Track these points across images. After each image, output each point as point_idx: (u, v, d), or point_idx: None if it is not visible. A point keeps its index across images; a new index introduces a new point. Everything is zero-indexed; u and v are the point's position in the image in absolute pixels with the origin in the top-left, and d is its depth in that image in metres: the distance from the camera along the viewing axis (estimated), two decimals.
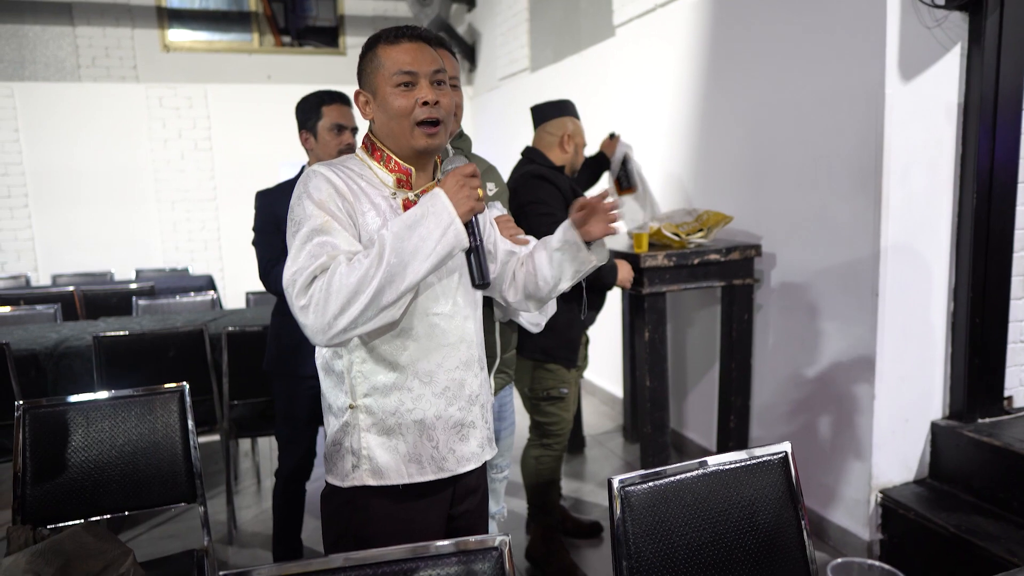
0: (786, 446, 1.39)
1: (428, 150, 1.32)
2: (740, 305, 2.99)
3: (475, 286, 1.29)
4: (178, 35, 6.93)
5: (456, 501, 1.41)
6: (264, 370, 2.40)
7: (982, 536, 2.27)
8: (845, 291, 2.65)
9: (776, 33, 2.89)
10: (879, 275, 2.50)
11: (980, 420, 2.60)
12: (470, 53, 7.06)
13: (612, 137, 3.36)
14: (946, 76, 2.51)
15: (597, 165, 3.36)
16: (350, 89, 1.76)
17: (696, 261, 2.84)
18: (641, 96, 3.99)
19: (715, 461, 1.33)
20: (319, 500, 1.41)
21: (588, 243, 1.44)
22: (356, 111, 2.26)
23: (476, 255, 1.26)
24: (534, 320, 1.75)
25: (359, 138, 2.34)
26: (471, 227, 1.25)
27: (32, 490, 1.79)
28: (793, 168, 2.86)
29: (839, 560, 0.94)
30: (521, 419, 2.74)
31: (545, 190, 2.50)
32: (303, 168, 2.36)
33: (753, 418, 3.16)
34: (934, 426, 2.65)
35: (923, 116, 2.49)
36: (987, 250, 2.56)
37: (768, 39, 2.94)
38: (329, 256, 1.19)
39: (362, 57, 1.35)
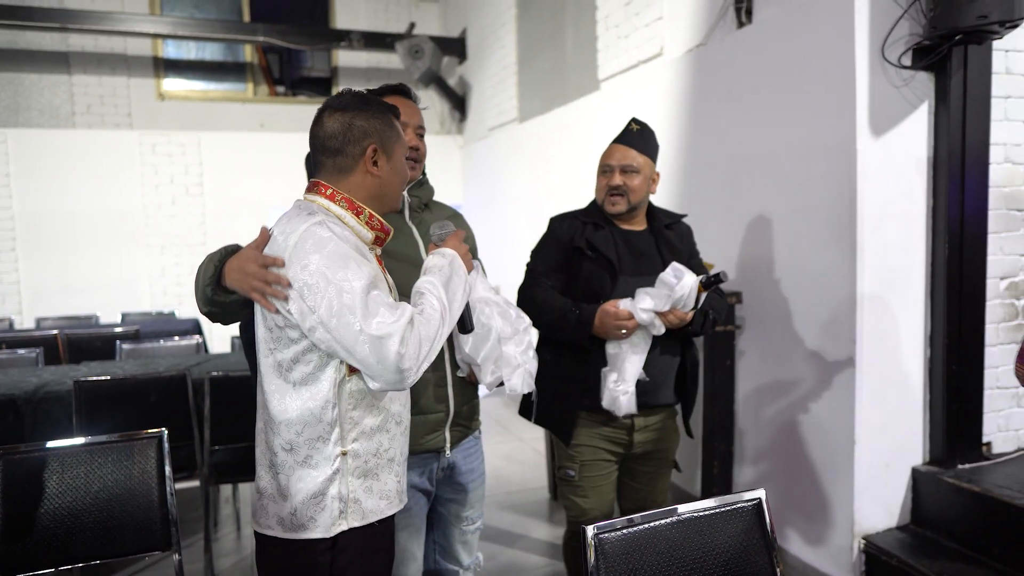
0: (760, 492, 1.40)
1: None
2: (722, 351, 3.02)
3: (465, 332, 1.56)
4: (173, 84, 7.08)
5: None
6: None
7: None
8: (824, 338, 2.69)
9: (752, 90, 3.00)
10: (856, 323, 2.55)
11: (960, 466, 2.62)
12: (460, 104, 7.23)
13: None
14: (915, 132, 2.60)
15: None
16: None
17: None
18: None
19: (687, 508, 1.34)
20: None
21: None
22: None
23: (468, 306, 1.51)
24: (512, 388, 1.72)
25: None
26: None
27: (3, 538, 1.76)
28: (772, 218, 2.93)
29: None
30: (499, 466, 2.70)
31: None
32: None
33: (737, 464, 3.15)
34: (915, 472, 2.66)
35: (894, 170, 2.57)
36: (960, 299, 2.62)
37: (745, 95, 3.05)
38: (405, 309, 1.29)
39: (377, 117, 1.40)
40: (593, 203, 2.23)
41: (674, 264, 1.97)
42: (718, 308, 2.17)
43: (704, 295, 1.99)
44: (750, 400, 3.09)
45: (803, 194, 2.76)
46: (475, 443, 1.90)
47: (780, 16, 2.84)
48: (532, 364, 1.70)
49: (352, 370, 1.34)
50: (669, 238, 2.19)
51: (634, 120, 2.20)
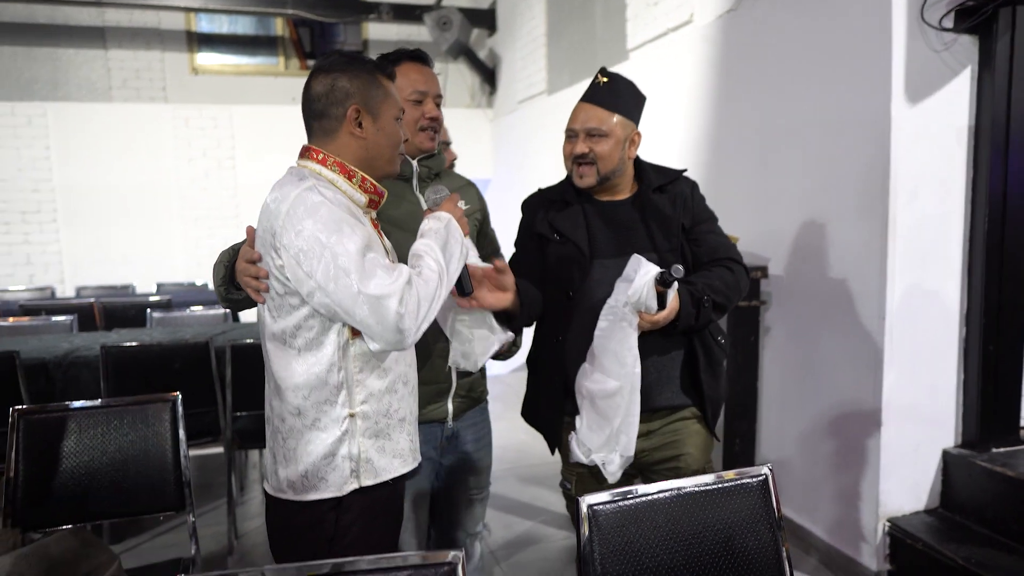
0: (765, 469, 1.35)
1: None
2: (746, 327, 2.95)
3: (463, 295, 1.52)
4: (206, 58, 7.14)
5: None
6: None
7: (992, 569, 2.18)
8: (852, 315, 2.59)
9: (784, 56, 2.88)
10: (886, 299, 2.45)
11: (994, 450, 2.52)
12: (490, 77, 7.15)
13: None
14: (956, 99, 2.47)
15: None
16: None
17: None
18: (653, 118, 3.99)
19: (689, 483, 1.30)
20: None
21: None
22: None
23: (466, 269, 1.49)
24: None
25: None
26: None
27: (23, 494, 1.81)
28: (801, 190, 2.83)
29: None
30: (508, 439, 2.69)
31: None
32: None
33: (759, 442, 3.09)
34: (946, 455, 2.56)
35: (932, 139, 2.45)
36: (1001, 276, 2.50)
37: (776, 62, 2.93)
38: (403, 270, 1.28)
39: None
40: (569, 175, 1.86)
41: (633, 258, 1.61)
42: (723, 290, 1.73)
43: (672, 293, 1.60)
44: (774, 377, 3.01)
45: (834, 164, 2.65)
46: (481, 414, 1.89)
47: None
48: (501, 335, 1.65)
49: (355, 333, 1.34)
50: (658, 205, 1.78)
51: (602, 71, 1.79)
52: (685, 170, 1.90)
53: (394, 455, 1.41)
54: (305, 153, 1.41)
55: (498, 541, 3.08)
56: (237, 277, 1.42)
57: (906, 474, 2.54)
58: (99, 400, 1.94)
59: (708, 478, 1.31)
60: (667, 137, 3.81)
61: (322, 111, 1.37)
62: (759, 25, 3.03)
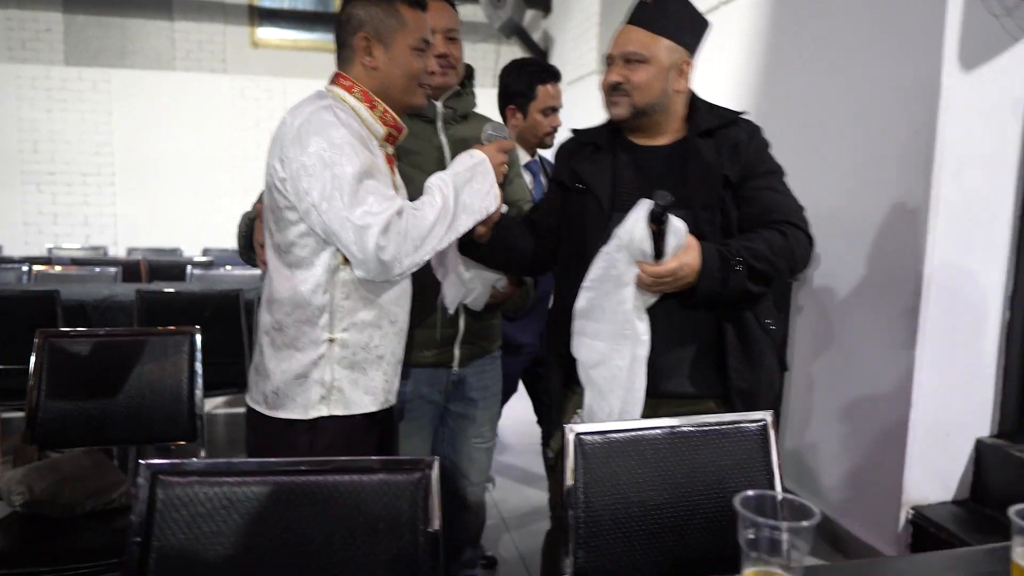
0: (766, 415, 1.30)
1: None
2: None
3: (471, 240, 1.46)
4: (267, 33, 7.31)
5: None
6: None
7: None
8: (888, 292, 2.48)
9: (829, 23, 2.78)
10: (923, 277, 2.33)
11: None
12: (543, 58, 7.11)
13: None
14: (1014, 69, 2.33)
15: None
16: None
17: None
18: (699, 92, 3.90)
19: (682, 421, 1.26)
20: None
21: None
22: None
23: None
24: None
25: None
26: None
27: (43, 414, 1.87)
28: (840, 160, 2.72)
29: (749, 492, 0.86)
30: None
31: None
32: None
33: (785, 423, 2.99)
34: (979, 444, 2.43)
35: (984, 111, 2.32)
36: None
37: (821, 30, 2.83)
38: (396, 201, 1.26)
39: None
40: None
41: (640, 202, 1.30)
42: (767, 255, 1.39)
43: (674, 239, 1.29)
44: (804, 356, 2.91)
45: (877, 133, 2.53)
46: (492, 362, 1.87)
47: None
48: (474, 283, 1.61)
49: (347, 259, 1.33)
50: (701, 152, 1.47)
51: None
52: (745, 112, 1.58)
53: (366, 391, 1.39)
54: (334, 79, 1.42)
55: (512, 511, 3.06)
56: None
57: (934, 462, 2.41)
58: (120, 328, 2.00)
59: (704, 419, 1.27)
60: None
61: (342, 41, 1.40)
62: None
